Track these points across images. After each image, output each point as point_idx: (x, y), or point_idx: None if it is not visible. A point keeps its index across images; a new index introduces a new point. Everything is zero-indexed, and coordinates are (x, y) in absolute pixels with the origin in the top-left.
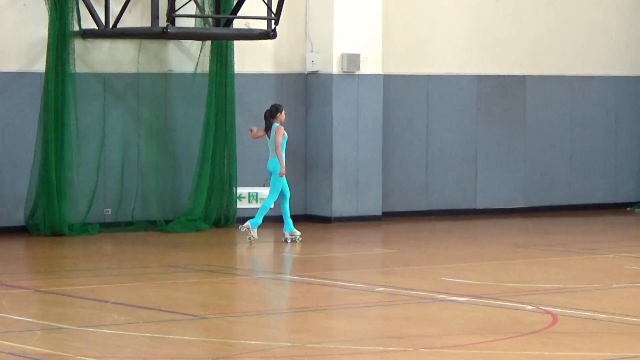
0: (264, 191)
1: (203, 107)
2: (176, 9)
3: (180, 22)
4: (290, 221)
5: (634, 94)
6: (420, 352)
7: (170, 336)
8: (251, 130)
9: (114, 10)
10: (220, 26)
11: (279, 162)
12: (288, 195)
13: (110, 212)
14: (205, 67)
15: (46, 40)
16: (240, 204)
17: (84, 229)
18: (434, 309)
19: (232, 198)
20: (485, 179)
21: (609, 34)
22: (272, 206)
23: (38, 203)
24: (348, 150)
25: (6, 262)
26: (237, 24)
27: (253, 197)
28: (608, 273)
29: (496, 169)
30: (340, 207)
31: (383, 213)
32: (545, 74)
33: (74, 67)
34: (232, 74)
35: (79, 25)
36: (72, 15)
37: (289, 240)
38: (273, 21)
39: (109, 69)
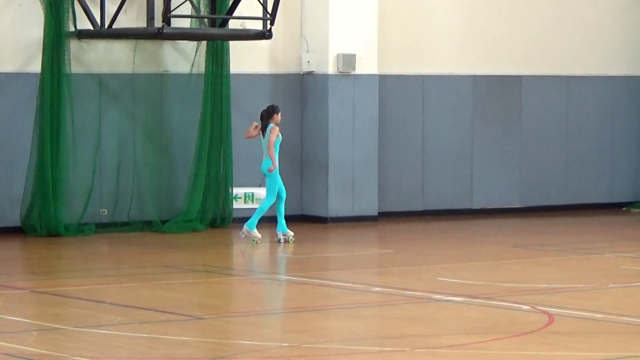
0: (260, 191)
1: (199, 107)
2: (172, 9)
3: (176, 23)
4: (284, 222)
5: (629, 93)
6: (417, 352)
7: (167, 336)
8: (256, 127)
9: (110, 10)
10: (215, 26)
11: (271, 161)
12: (284, 196)
13: (106, 213)
14: (200, 67)
15: (42, 41)
16: (236, 204)
17: (80, 229)
18: (431, 309)
19: (228, 198)
20: (482, 178)
21: (605, 34)
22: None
23: (34, 203)
24: (344, 150)
25: (2, 262)
26: (233, 24)
27: (249, 197)
28: (604, 273)
29: (492, 168)
30: (336, 207)
31: (379, 213)
32: (541, 73)
33: (70, 68)
34: (228, 75)
35: (75, 26)
36: (68, 16)
37: (282, 241)
38: (268, 21)
39: (104, 69)
